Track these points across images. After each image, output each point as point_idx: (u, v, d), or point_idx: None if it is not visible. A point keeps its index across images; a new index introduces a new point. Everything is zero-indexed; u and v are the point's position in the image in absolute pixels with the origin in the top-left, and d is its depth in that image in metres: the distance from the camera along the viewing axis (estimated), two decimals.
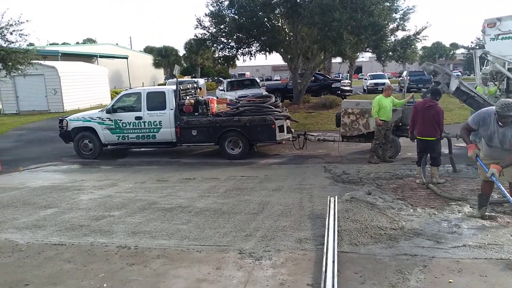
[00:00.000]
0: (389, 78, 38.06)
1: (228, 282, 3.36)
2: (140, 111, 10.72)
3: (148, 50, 62.62)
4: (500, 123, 4.36)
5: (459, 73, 47.05)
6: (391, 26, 17.07)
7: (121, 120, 10.79)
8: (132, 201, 6.24)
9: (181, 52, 57.87)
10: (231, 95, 18.34)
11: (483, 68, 10.98)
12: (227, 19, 19.06)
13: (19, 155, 12.02)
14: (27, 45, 16.72)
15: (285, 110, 11.39)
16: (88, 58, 39.04)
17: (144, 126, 10.72)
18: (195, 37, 20.08)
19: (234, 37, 18.58)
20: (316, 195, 6.20)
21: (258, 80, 24.12)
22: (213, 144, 10.52)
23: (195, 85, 12.87)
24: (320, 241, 4.19)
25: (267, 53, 19.63)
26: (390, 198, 5.91)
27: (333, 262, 3.46)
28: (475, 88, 9.35)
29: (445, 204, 5.48)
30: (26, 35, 15.73)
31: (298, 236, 4.37)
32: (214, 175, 8.31)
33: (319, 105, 19.90)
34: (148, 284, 3.33)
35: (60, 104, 25.35)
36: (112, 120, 10.84)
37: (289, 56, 20.94)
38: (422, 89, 23.62)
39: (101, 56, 41.89)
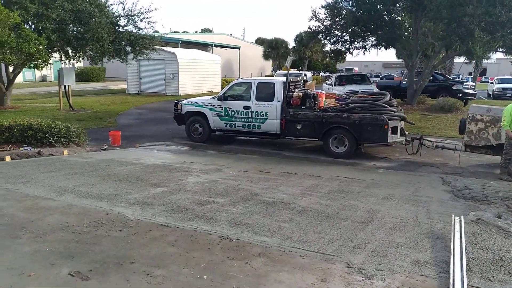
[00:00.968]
0: None
1: None
2: (249, 100, 10.79)
3: (259, 41, 64.01)
4: None
5: None
6: None
7: (230, 108, 11.00)
8: (235, 189, 6.21)
9: (291, 44, 58.03)
10: (339, 90, 17.66)
11: None
12: (344, 11, 18.34)
13: (137, 132, 13.04)
14: (153, 32, 18.06)
15: (400, 110, 10.49)
16: (204, 46, 41.28)
17: (251, 115, 10.78)
18: (308, 29, 19.74)
19: (349, 30, 17.81)
20: (434, 211, 5.47)
21: (368, 76, 22.91)
22: (316, 140, 10.15)
23: (304, 78, 12.56)
24: (442, 267, 3.59)
25: (383, 48, 18.47)
26: None
27: None
28: None
29: None
30: (154, 23, 17.08)
31: (415, 257, 3.81)
32: (316, 173, 7.94)
33: (436, 107, 18.14)
34: (248, 285, 3.15)
35: (176, 88, 27.16)
36: (222, 107, 11.11)
37: (406, 53, 19.43)
38: None
39: (216, 46, 43.94)
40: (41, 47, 8.99)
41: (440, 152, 9.98)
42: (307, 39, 54.29)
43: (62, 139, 9.60)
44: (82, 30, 15.14)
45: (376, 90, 18.92)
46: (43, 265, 3.41)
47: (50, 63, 11.81)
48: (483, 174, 8.26)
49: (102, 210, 4.78)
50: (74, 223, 4.33)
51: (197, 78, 29.11)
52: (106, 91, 29.02)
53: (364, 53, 18.63)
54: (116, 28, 16.66)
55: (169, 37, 34.36)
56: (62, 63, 16.90)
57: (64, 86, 16.78)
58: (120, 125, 14.35)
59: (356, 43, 18.48)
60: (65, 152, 8.82)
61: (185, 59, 27.57)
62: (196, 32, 74.42)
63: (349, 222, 4.80)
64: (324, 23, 18.65)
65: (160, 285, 3.14)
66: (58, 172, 6.77)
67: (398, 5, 17.18)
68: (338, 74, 24.37)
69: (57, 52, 15.88)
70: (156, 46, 18.76)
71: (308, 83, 12.49)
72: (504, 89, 26.11)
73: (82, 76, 35.15)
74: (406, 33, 18.74)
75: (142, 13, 16.78)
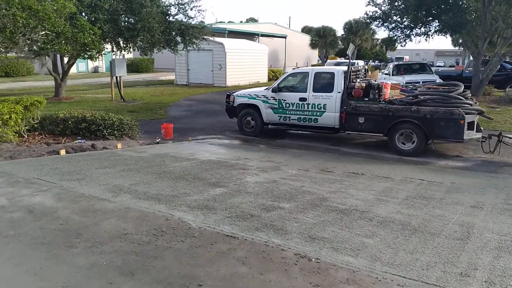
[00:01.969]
0: None
1: None
2: (305, 92, 10.12)
3: (306, 30, 62.59)
4: None
5: None
6: None
7: (285, 100, 10.38)
8: (299, 192, 5.62)
9: (339, 32, 56.18)
10: (398, 80, 16.49)
11: None
12: None
13: (187, 124, 12.76)
14: (201, 22, 17.72)
15: (475, 103, 9.41)
16: (250, 36, 40.73)
17: (308, 108, 10.10)
18: (364, 15, 18.58)
19: (411, 15, 16.52)
20: None
21: (429, 65, 21.25)
22: (381, 135, 9.32)
23: (366, 67, 11.67)
24: None
25: (448, 35, 17.00)
26: None
27: None
28: None
29: None
30: (204, 11, 16.77)
31: None
32: (386, 173, 7.17)
33: (505, 99, 16.55)
34: None
35: (223, 79, 26.87)
36: (276, 99, 10.52)
37: (472, 39, 17.83)
38: None
39: (262, 35, 43.26)
40: (95, 37, 8.80)
41: None
42: (356, 27, 52.48)
43: (115, 132, 9.43)
44: (133, 20, 15.05)
45: (439, 80, 17.56)
46: (101, 284, 3.01)
47: (103, 54, 11.72)
48: None
49: (161, 215, 4.36)
50: (132, 231, 3.93)
51: (244, 69, 28.70)
52: (155, 82, 29.31)
53: (427, 40, 17.26)
54: (167, 17, 16.46)
55: (215, 27, 34.16)
56: (113, 54, 16.99)
57: (116, 77, 16.88)
58: (170, 117, 14.16)
59: (417, 29, 17.12)
60: (119, 145, 8.62)
61: (232, 49, 27.17)
62: (241, 22, 74.00)
63: (443, 239, 4.06)
64: (382, 8, 17.42)
65: None
66: (113, 168, 6.49)
67: None
68: (396, 63, 22.87)
69: (109, 43, 15.94)
70: (204, 36, 18.44)
71: (370, 72, 11.59)
72: None
73: (132, 67, 35.79)
74: (473, 18, 17.14)
75: (193, 1, 16.47)
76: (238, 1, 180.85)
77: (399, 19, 17.22)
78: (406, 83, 15.33)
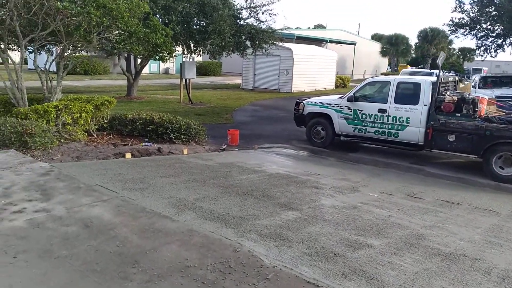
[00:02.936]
0: None
1: None
2: (386, 103, 9.13)
3: (376, 37, 60.20)
4: None
5: None
6: None
7: (361, 110, 9.47)
8: (388, 224, 4.74)
9: (412, 41, 53.32)
10: (486, 94, 14.74)
11: None
12: (497, 0, 15.27)
13: (253, 131, 12.24)
14: (270, 26, 17.20)
15: None
16: (318, 42, 39.74)
17: (387, 121, 9.09)
18: (450, 22, 16.94)
19: (505, 22, 14.73)
20: None
21: None
22: (474, 156, 8.09)
23: (456, 79, 10.37)
24: None
25: None
26: None
27: None
28: None
29: None
30: (275, 15, 16.24)
31: None
32: (486, 204, 6.03)
33: None
34: None
35: (289, 85, 26.24)
36: (351, 109, 9.63)
37: None
38: None
39: (331, 41, 42.07)
40: (167, 38, 8.55)
41: None
42: (432, 35, 49.39)
43: (182, 136, 9.11)
44: (204, 23, 14.91)
45: None
46: None
47: (174, 56, 11.57)
48: None
49: (229, 244, 3.74)
50: (195, 262, 3.34)
51: (311, 75, 27.88)
52: (221, 85, 29.41)
53: None
54: (237, 21, 16.15)
55: (283, 32, 33.68)
56: (183, 57, 17.02)
57: (185, 80, 16.90)
58: (236, 122, 13.76)
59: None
60: (185, 151, 8.24)
61: (300, 54, 26.46)
62: (308, 28, 73.04)
63: None
64: (471, 15, 15.74)
65: None
66: (178, 178, 6.04)
67: None
68: (482, 75, 20.73)
69: (180, 45, 15.96)
70: (274, 41, 17.92)
71: (461, 85, 10.27)
72: None
73: (200, 70, 36.38)
74: None
75: (264, 5, 16.00)
76: (306, 7, 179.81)
77: (489, 26, 15.43)
78: (495, 96, 13.66)
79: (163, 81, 30.63)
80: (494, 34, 15.38)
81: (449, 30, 16.00)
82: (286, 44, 26.10)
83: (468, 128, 7.97)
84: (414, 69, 34.41)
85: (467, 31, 15.82)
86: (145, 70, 29.21)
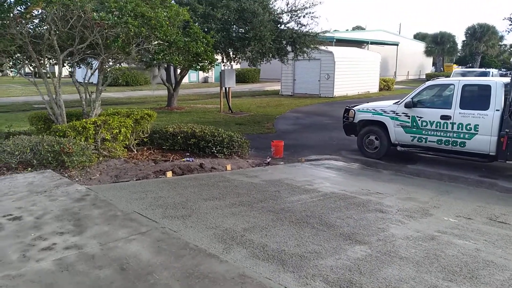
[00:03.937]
0: None
1: None
2: (449, 108, 8.16)
3: (419, 37, 57.76)
4: None
5: None
6: None
7: (421, 117, 8.53)
8: (478, 262, 3.85)
9: (458, 39, 50.61)
10: None
11: None
12: None
13: (297, 141, 11.52)
14: (313, 29, 16.40)
15: None
16: (358, 44, 38.50)
17: (452, 128, 8.11)
18: (509, 17, 15.43)
19: None
20: None
21: None
22: None
23: None
24: None
25: None
26: None
27: None
28: None
29: None
30: (317, 18, 15.47)
31: None
32: None
33: None
34: None
35: (331, 89, 25.34)
36: (409, 116, 8.71)
37: None
38: None
39: (372, 43, 40.71)
40: (207, 47, 8.05)
41: None
42: (481, 31, 46.51)
43: (224, 150, 8.54)
44: (243, 30, 14.41)
45: None
46: None
47: (216, 65, 11.09)
48: None
49: None
50: None
51: (353, 78, 26.85)
52: (260, 92, 28.94)
53: None
54: (278, 26, 15.52)
55: (323, 35, 32.72)
56: (223, 65, 16.61)
57: (225, 88, 16.48)
58: (278, 131, 13.10)
59: None
60: (228, 167, 7.65)
61: (342, 58, 25.50)
62: (347, 30, 71.33)
63: None
64: None
65: None
66: (223, 201, 5.42)
67: None
68: None
69: (219, 53, 15.55)
70: (316, 45, 17.13)
71: None
72: None
73: (239, 77, 36.11)
74: None
75: (306, 7, 15.27)
76: (345, 9, 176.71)
77: None
78: None
79: (202, 90, 30.58)
80: None
81: (510, 24, 14.48)
82: (327, 48, 25.20)
83: None
84: (465, 69, 32.35)
85: None
86: (185, 80, 29.28)
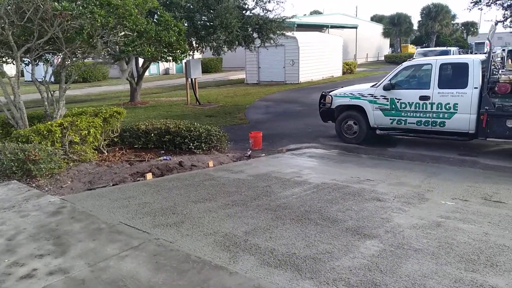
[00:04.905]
0: None
1: None
2: (428, 88, 8.12)
3: (376, 19, 58.77)
4: None
5: None
6: None
7: (399, 99, 8.45)
8: (492, 247, 3.73)
9: (415, 19, 51.93)
10: None
11: None
12: None
13: (273, 130, 11.24)
14: (278, 15, 16.06)
15: None
16: (319, 28, 38.49)
17: (431, 109, 8.09)
18: None
19: None
20: None
21: None
22: None
23: (503, 54, 9.32)
24: None
25: None
26: None
27: None
28: None
29: None
30: (283, 2, 15.09)
31: None
32: None
33: None
34: None
35: (296, 75, 25.16)
36: (387, 98, 8.61)
37: None
38: None
39: (332, 27, 40.80)
40: (180, 36, 7.51)
41: None
42: (436, 11, 47.87)
43: (202, 145, 8.11)
44: (206, 18, 13.83)
45: None
46: None
47: (190, 54, 10.51)
48: None
49: None
50: None
51: (318, 63, 26.79)
52: (225, 82, 28.38)
53: None
54: (243, 12, 15.04)
55: (287, 21, 32.31)
56: (188, 56, 15.96)
57: (191, 79, 15.89)
58: (252, 121, 12.76)
59: None
60: (210, 163, 7.24)
61: (306, 43, 25.32)
62: (304, 15, 71.47)
63: None
64: None
65: None
66: (214, 202, 5.04)
67: None
68: (510, 48, 19.34)
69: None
70: (283, 31, 16.81)
71: (510, 62, 9.22)
72: None
73: (201, 67, 35.37)
74: None
75: None
76: None
77: None
78: None
79: (164, 82, 29.61)
80: None
81: (471, 2, 14.74)
82: (290, 33, 24.93)
83: None
84: (426, 48, 33.12)
85: (492, 1, 14.59)
86: (145, 73, 28.17)
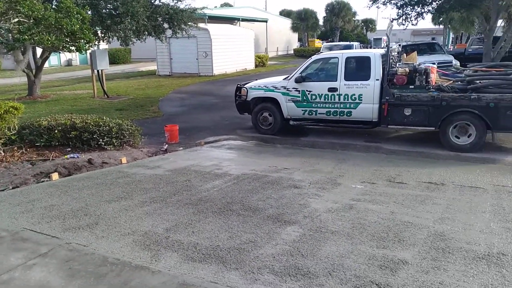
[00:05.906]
0: None
1: None
2: (335, 80, 8.59)
3: (285, 13, 60.69)
4: None
5: None
6: None
7: (310, 91, 8.83)
8: (398, 224, 4.10)
9: (320, 15, 54.72)
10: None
11: None
12: None
13: (189, 123, 11.04)
14: (188, 6, 15.77)
15: None
16: (230, 21, 38.65)
17: (339, 100, 8.59)
18: None
19: None
20: None
21: (440, 44, 19.66)
22: (432, 128, 7.94)
23: (399, 49, 10.21)
24: None
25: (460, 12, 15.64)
26: None
27: None
28: None
29: None
30: None
31: None
32: (466, 181, 5.79)
33: None
34: None
35: (210, 67, 24.98)
36: (299, 91, 8.94)
37: (481, 12, 16.58)
38: None
39: (243, 20, 41.25)
40: (84, 24, 6.93)
41: None
42: (339, 8, 50.99)
43: (113, 140, 7.66)
44: (112, 6, 13.04)
45: (455, 61, 16.36)
46: None
47: (96, 44, 9.77)
48: None
49: None
50: None
51: (231, 56, 26.89)
52: (135, 73, 27.14)
53: (441, 17, 15.82)
54: (152, 1, 14.46)
55: (198, 12, 31.84)
56: (93, 46, 14.91)
57: (97, 71, 14.89)
58: (166, 114, 12.39)
59: (428, 6, 15.64)
60: (123, 160, 6.87)
61: (218, 35, 25.23)
62: (215, 7, 71.21)
63: None
64: None
65: None
66: (130, 200, 4.79)
67: None
68: (403, 43, 21.27)
69: None
70: (194, 22, 16.54)
71: (405, 55, 10.11)
72: None
73: (108, 58, 33.36)
74: None
75: None
76: None
77: None
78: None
79: (67, 74, 27.35)
80: (414, 2, 15.64)
81: (370, 1, 15.95)
82: (202, 25, 24.63)
83: (424, 100, 7.75)
84: (331, 43, 35.09)
85: (387, 0, 15.92)
86: (45, 64, 25.70)
